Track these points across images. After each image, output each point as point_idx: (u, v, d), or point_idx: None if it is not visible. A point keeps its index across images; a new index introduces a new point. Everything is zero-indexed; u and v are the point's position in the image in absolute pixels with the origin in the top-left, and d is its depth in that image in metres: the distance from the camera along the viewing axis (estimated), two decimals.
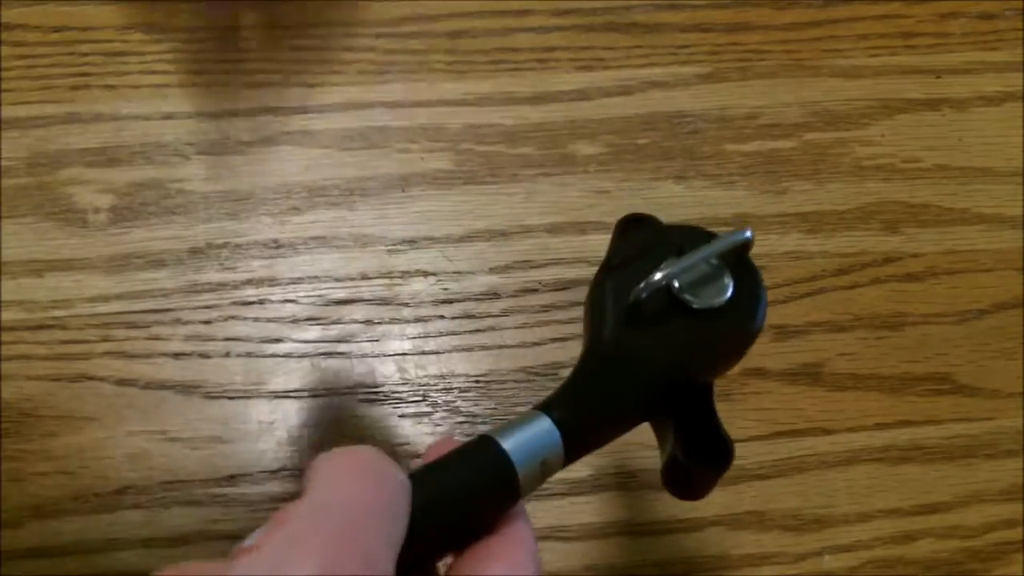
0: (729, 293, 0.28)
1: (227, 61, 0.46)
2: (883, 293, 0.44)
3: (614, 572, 0.39)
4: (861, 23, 0.49)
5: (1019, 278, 0.45)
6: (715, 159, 0.46)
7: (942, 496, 0.41)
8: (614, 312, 0.28)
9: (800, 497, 0.40)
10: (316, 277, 0.42)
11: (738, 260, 0.29)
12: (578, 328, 0.31)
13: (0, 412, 0.39)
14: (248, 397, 0.40)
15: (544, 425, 0.25)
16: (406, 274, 0.43)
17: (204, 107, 0.45)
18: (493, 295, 0.42)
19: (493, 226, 0.44)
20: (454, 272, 0.43)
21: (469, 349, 0.42)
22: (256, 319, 0.41)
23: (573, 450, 0.26)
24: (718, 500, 0.40)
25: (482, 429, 0.31)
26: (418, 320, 0.42)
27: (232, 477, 0.39)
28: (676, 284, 0.28)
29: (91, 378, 0.40)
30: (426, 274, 0.43)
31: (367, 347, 0.41)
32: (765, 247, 0.44)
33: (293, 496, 0.21)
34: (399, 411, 0.40)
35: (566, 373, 0.27)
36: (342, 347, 0.41)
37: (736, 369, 0.37)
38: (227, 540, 0.38)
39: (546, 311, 0.42)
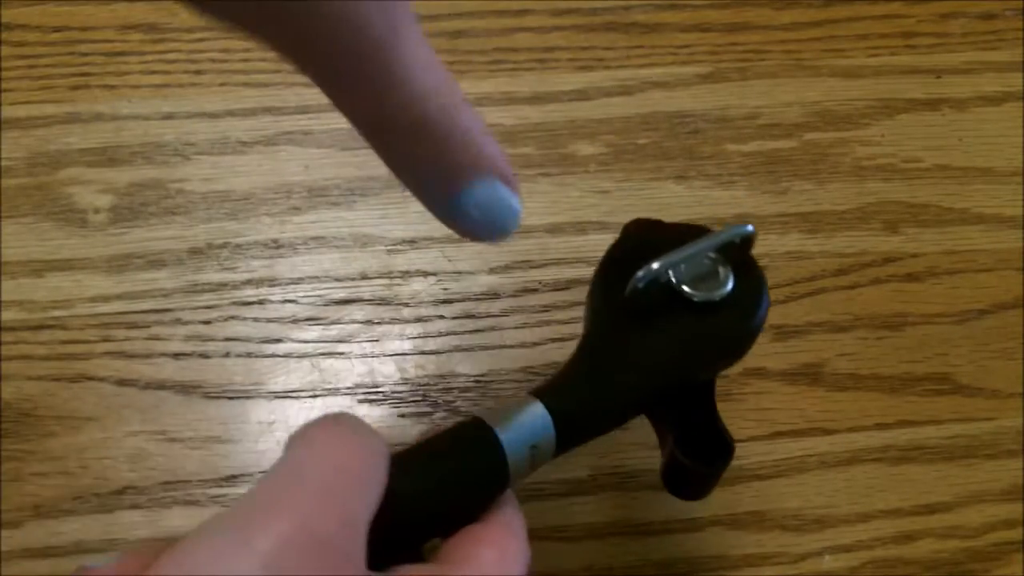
0: (729, 287, 0.28)
1: (227, 61, 0.46)
2: (883, 293, 0.44)
3: (614, 572, 0.39)
4: (861, 23, 0.49)
5: (1019, 278, 0.45)
6: (715, 159, 0.46)
7: (942, 496, 0.41)
8: (612, 302, 0.28)
9: (800, 497, 0.40)
10: (316, 277, 0.42)
11: (741, 257, 0.29)
12: (578, 328, 0.31)
13: (0, 412, 0.39)
14: (248, 397, 0.40)
15: (536, 410, 0.25)
16: (406, 274, 0.43)
17: (204, 107, 0.45)
18: (493, 295, 0.42)
19: None
20: (454, 272, 0.43)
21: (469, 349, 0.42)
22: (256, 319, 0.41)
23: (565, 438, 0.26)
24: (718, 500, 0.40)
25: None
26: (418, 320, 0.42)
27: (232, 477, 0.39)
28: (676, 277, 0.28)
29: (91, 378, 0.40)
30: (426, 274, 0.43)
31: (367, 347, 0.41)
32: (765, 247, 0.44)
33: None
34: (399, 411, 0.40)
35: None
36: (342, 347, 0.41)
37: (736, 369, 0.37)
38: None
39: (546, 311, 0.42)
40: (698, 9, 0.48)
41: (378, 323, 0.42)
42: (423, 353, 0.41)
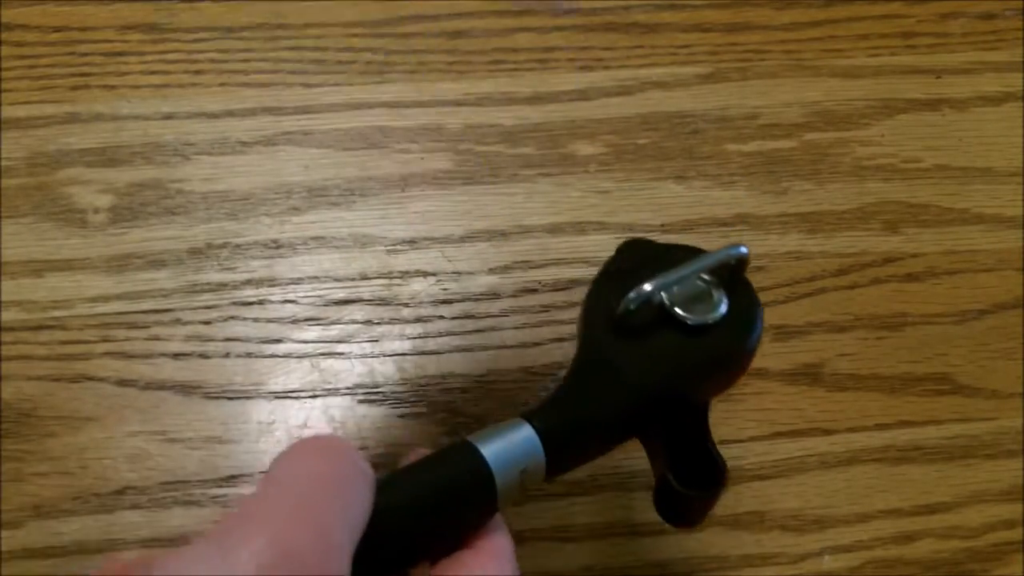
0: (723, 310, 0.28)
1: (227, 61, 0.46)
2: (883, 293, 0.44)
3: (614, 572, 0.39)
4: (861, 23, 0.49)
5: (1019, 278, 0.45)
6: (715, 159, 0.46)
7: (942, 496, 0.41)
8: (604, 323, 0.28)
9: (800, 497, 0.40)
10: (316, 277, 0.42)
11: (733, 278, 0.29)
12: None
13: (0, 412, 0.39)
14: (248, 397, 0.40)
15: (525, 432, 0.25)
16: (406, 274, 0.43)
17: (204, 107, 0.45)
18: (493, 295, 0.42)
19: (493, 226, 0.44)
20: (454, 272, 0.43)
21: (469, 349, 0.42)
22: (256, 319, 0.41)
23: (555, 460, 0.25)
24: (718, 500, 0.40)
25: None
26: (418, 320, 0.42)
27: (232, 477, 0.39)
28: (668, 300, 0.27)
29: (91, 378, 0.40)
30: (426, 274, 0.43)
31: (367, 347, 0.41)
32: (765, 247, 0.44)
33: None
34: (398, 411, 0.40)
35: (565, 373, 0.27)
36: (341, 347, 0.41)
37: None
38: None
39: (546, 311, 0.42)
40: (698, 9, 0.48)
41: (378, 323, 0.42)
42: (423, 353, 0.41)
